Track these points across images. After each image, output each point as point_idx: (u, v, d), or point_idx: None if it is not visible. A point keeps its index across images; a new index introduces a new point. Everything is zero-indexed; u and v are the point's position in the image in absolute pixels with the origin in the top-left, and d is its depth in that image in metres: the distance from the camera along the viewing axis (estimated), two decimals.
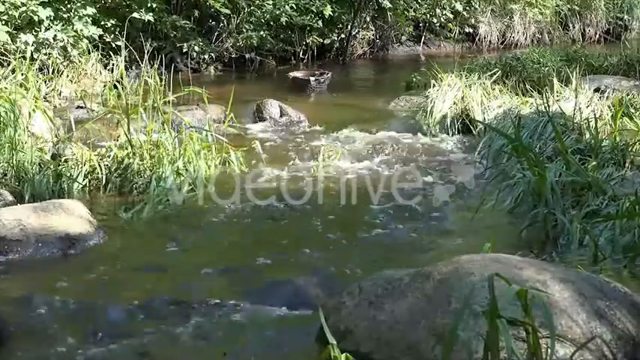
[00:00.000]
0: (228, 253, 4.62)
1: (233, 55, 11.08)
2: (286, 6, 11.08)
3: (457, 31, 13.96)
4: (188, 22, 10.40)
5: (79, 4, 9.01)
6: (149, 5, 9.84)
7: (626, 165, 5.25)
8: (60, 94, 7.98)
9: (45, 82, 7.82)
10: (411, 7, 12.95)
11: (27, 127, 5.89)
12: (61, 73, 8.28)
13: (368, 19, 12.65)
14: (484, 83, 7.73)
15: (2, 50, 8.14)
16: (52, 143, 6.02)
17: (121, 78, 6.84)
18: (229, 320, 3.57)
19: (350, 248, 4.67)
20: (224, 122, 6.75)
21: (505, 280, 2.62)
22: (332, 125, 7.60)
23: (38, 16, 8.49)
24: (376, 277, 3.19)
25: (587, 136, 5.83)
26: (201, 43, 10.56)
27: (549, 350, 2.46)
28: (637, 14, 15.86)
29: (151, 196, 5.35)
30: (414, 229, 5.02)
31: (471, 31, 14.15)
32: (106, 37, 9.38)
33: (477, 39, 14.14)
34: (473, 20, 14.02)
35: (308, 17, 11.41)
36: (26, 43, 8.22)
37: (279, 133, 7.37)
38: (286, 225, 5.11)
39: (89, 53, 8.85)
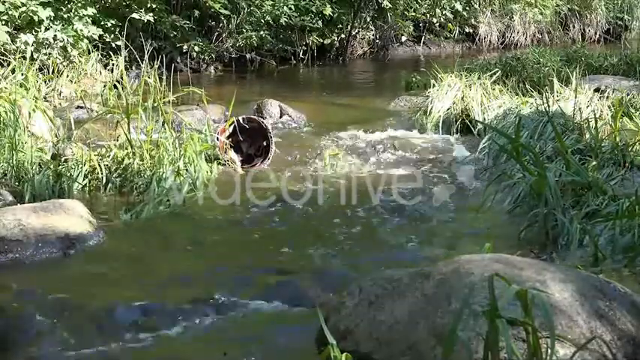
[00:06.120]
0: (229, 254, 4.62)
1: (233, 55, 11.09)
2: (285, 7, 11.08)
3: (457, 31, 13.98)
4: (188, 22, 10.41)
5: (79, 4, 9.01)
6: (149, 5, 9.84)
7: (626, 165, 5.25)
8: (60, 94, 7.98)
9: (45, 82, 7.82)
10: (411, 7, 12.95)
11: (27, 127, 5.89)
12: (61, 73, 8.28)
13: (368, 19, 12.66)
14: (484, 83, 7.73)
15: (2, 50, 8.14)
16: (52, 143, 6.02)
17: (121, 78, 6.83)
18: (229, 320, 3.57)
19: (350, 248, 4.67)
20: (225, 122, 6.75)
21: (505, 280, 2.62)
22: (332, 125, 7.61)
23: (38, 16, 8.49)
24: (376, 277, 3.18)
25: (587, 136, 5.83)
26: (201, 43, 10.57)
27: (549, 350, 2.46)
28: (637, 14, 15.87)
29: (151, 196, 5.35)
30: (414, 229, 5.02)
31: (471, 31, 14.17)
32: (106, 37, 9.38)
33: (476, 39, 14.15)
34: (473, 20, 14.03)
35: (308, 17, 11.42)
36: (26, 43, 8.22)
37: (279, 133, 7.36)
38: (286, 225, 5.10)
39: (89, 53, 8.85)
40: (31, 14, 8.48)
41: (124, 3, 9.91)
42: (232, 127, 6.39)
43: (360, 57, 12.75)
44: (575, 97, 6.76)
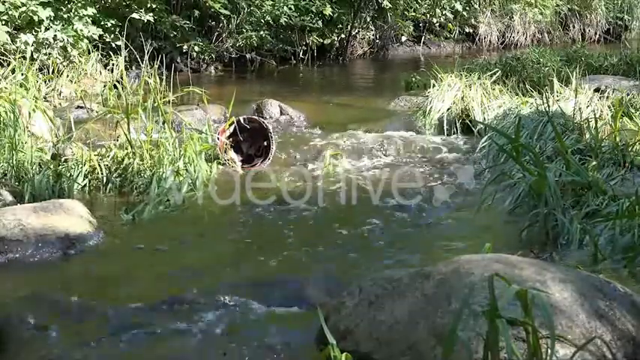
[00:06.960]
0: (229, 254, 4.62)
1: (233, 55, 11.09)
2: (285, 7, 11.08)
3: (457, 31, 13.98)
4: (188, 22, 10.41)
5: (79, 4, 9.01)
6: (149, 5, 9.84)
7: (626, 165, 5.24)
8: (60, 94, 7.98)
9: (45, 82, 7.82)
10: (411, 7, 12.95)
11: (27, 127, 5.89)
12: (61, 73, 8.27)
13: (368, 19, 12.66)
14: (484, 83, 7.73)
15: (2, 50, 8.14)
16: (52, 143, 6.02)
17: (121, 78, 6.83)
18: (229, 320, 3.57)
19: (350, 248, 4.66)
20: (224, 122, 6.75)
21: (505, 280, 2.62)
22: (332, 125, 7.60)
23: (38, 16, 8.48)
24: (376, 277, 3.18)
25: (587, 136, 5.83)
26: (201, 43, 10.56)
27: (549, 350, 2.45)
28: (637, 14, 15.87)
29: (151, 196, 5.35)
30: (414, 229, 5.02)
31: (471, 31, 14.18)
32: (106, 37, 9.37)
33: (476, 39, 14.15)
34: (473, 20, 14.03)
35: (308, 17, 11.42)
36: (26, 43, 8.21)
37: (279, 133, 7.36)
38: (286, 225, 5.10)
39: (89, 53, 8.84)
40: (31, 14, 8.47)
41: (124, 3, 9.91)
42: (233, 127, 6.39)
43: (360, 57, 12.75)
44: (575, 97, 6.76)
